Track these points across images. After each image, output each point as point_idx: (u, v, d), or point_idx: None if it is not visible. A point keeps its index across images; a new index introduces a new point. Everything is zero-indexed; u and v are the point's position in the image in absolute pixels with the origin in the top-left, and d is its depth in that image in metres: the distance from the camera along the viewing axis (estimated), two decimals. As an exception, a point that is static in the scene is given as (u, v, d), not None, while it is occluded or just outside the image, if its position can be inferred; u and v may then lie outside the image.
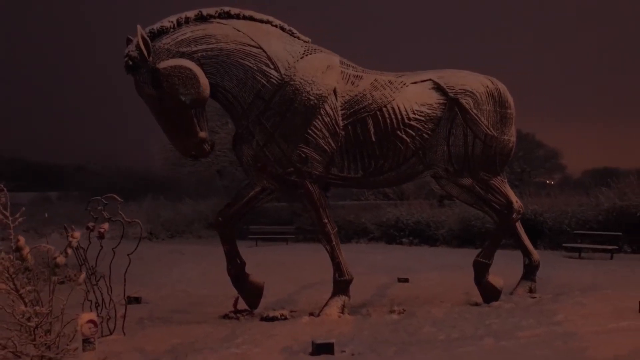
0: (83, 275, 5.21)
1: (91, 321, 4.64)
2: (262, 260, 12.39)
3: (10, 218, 4.85)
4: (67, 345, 4.82)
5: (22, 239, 4.71)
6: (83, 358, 4.57)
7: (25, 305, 4.69)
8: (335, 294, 7.79)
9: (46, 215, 6.46)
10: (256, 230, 21.99)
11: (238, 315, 7.89)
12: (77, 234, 5.20)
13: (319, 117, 7.54)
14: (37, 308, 4.72)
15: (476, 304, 8.59)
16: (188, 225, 26.62)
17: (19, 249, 4.73)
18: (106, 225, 6.45)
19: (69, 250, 5.04)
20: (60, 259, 4.89)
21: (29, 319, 4.67)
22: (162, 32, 7.07)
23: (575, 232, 17.42)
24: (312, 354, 5.70)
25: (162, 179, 35.87)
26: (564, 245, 16.97)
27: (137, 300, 8.62)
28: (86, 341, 4.61)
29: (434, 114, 8.16)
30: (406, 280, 11.12)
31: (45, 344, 4.72)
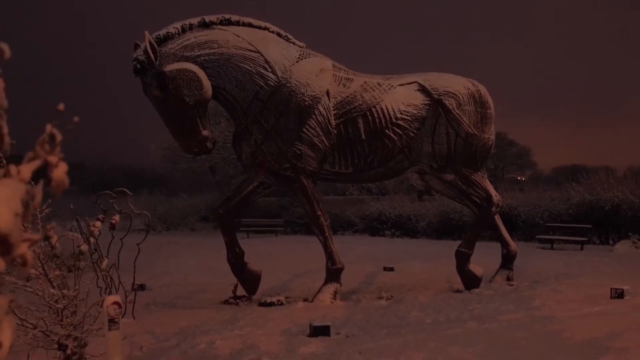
0: (106, 262, 5.66)
1: (116, 303, 5.07)
2: (254, 251, 12.81)
3: (38, 209, 5.26)
4: (92, 325, 5.23)
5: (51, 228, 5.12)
6: (109, 336, 5.02)
7: (54, 289, 5.09)
8: (327, 281, 8.26)
9: (71, 207, 6.82)
10: (247, 223, 22.46)
11: (237, 300, 8.31)
12: (98, 223, 5.63)
13: (313, 116, 8.00)
14: (64, 291, 5.11)
15: (458, 291, 9.08)
16: (182, 219, 27.31)
17: (48, 238, 5.12)
18: (117, 217, 6.87)
19: (92, 239, 5.49)
20: (84, 247, 5.32)
21: (57, 301, 5.04)
22: (168, 37, 7.50)
23: (547, 224, 18.11)
24: (310, 335, 6.11)
25: (158, 175, 36.28)
26: (537, 237, 17.60)
27: (142, 287, 9.02)
28: (111, 321, 5.02)
29: (420, 114, 8.69)
30: (391, 269, 11.61)
31: (72, 324, 5.10)
